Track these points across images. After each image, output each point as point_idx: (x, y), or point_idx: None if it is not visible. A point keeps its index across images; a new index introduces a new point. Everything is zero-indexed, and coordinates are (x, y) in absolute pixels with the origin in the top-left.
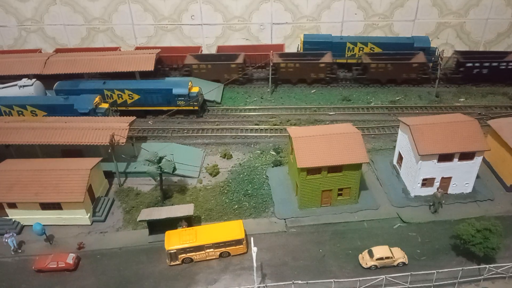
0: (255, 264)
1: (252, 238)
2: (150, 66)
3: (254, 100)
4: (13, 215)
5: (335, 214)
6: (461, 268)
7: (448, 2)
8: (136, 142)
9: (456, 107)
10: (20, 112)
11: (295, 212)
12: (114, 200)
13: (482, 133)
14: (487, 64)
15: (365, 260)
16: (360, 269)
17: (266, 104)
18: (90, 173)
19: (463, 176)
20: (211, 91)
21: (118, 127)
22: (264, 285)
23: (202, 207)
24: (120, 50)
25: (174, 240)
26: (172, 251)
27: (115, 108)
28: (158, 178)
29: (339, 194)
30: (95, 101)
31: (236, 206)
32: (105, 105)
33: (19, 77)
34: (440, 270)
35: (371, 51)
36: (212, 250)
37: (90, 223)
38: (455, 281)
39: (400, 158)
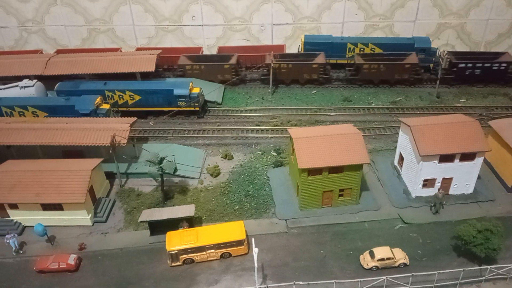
0: (256, 265)
1: (253, 239)
2: (151, 67)
3: (255, 101)
4: (15, 215)
5: (336, 215)
6: (462, 269)
7: (448, 2)
8: (137, 143)
9: (457, 108)
10: (21, 113)
11: (296, 213)
12: (115, 201)
13: (483, 134)
14: (479, 64)
15: (366, 261)
16: (361, 270)
17: (267, 104)
18: (91, 174)
19: (464, 177)
20: (212, 91)
21: (119, 128)
22: (265, 286)
23: (203, 208)
24: (121, 51)
25: (175, 241)
26: (173, 252)
27: (116, 109)
28: (159, 179)
29: (340, 195)
30: (96, 102)
31: (237, 207)
32: (106, 106)
33: (20, 78)
34: (441, 271)
35: (372, 52)
36: (213, 251)
37: (91, 224)
38: (456, 282)
39: (401, 158)
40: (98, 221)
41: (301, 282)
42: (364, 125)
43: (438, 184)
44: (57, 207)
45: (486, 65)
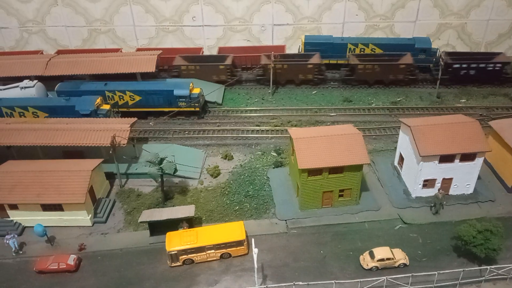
0: (256, 265)
1: (253, 239)
2: (151, 67)
3: (255, 101)
4: (14, 216)
5: (336, 215)
6: (462, 270)
7: (449, 3)
8: (137, 143)
9: (457, 108)
10: (21, 114)
11: (296, 213)
12: (115, 201)
13: (483, 134)
14: (474, 65)
15: (366, 261)
16: (361, 270)
17: (267, 105)
18: (91, 175)
19: (464, 177)
20: (212, 92)
21: (119, 128)
22: (265, 286)
23: (203, 208)
24: (121, 51)
25: (175, 241)
26: (173, 252)
27: (117, 110)
28: (159, 179)
29: (340, 195)
30: (97, 102)
31: (237, 207)
32: (106, 107)
33: (20, 79)
34: (441, 271)
35: (373, 52)
36: (213, 251)
37: (91, 224)
38: (456, 282)
39: (401, 159)
40: (98, 222)
41: (301, 283)
42: (364, 125)
43: (438, 185)
44: (57, 207)
45: (481, 65)
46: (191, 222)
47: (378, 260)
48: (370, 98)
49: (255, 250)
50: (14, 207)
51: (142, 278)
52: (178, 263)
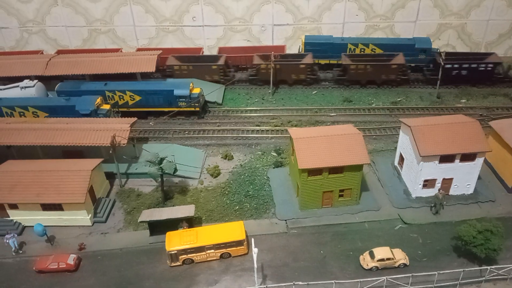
0: (255, 265)
1: (253, 239)
2: (151, 67)
3: (255, 101)
4: (14, 216)
5: (336, 215)
6: (462, 270)
7: (449, 3)
8: (137, 143)
9: (457, 108)
10: (21, 113)
11: (296, 213)
12: (115, 201)
13: (483, 134)
14: (466, 65)
15: (366, 261)
16: (361, 270)
17: (267, 105)
18: (91, 174)
19: (464, 177)
20: (212, 92)
21: (119, 128)
22: (265, 286)
23: (203, 208)
24: (121, 51)
25: (175, 241)
26: (173, 252)
27: (117, 109)
28: (159, 179)
29: (340, 195)
30: (97, 102)
31: (237, 207)
32: (106, 106)
33: (21, 79)
34: (441, 272)
35: (373, 52)
36: (213, 251)
37: (91, 224)
38: (456, 282)
39: (401, 159)
40: (98, 221)
41: (301, 283)
42: (365, 125)
43: (438, 185)
44: (57, 207)
45: (472, 65)
46: (191, 222)
47: (378, 260)
48: (370, 98)
49: (255, 250)
50: (14, 206)
51: (142, 278)
52: (178, 263)
